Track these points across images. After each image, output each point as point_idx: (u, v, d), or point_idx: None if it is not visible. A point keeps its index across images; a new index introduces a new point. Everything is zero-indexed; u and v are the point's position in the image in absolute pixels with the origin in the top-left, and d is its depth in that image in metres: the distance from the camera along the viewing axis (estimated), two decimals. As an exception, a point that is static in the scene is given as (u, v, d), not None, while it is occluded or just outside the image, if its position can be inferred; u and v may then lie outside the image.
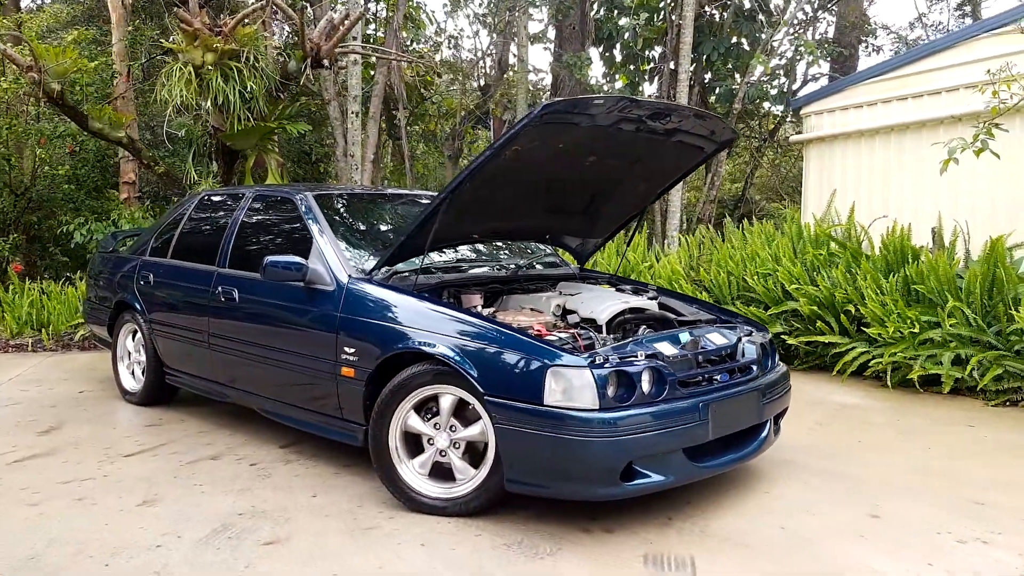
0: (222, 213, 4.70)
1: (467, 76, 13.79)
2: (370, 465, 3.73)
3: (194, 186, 8.58)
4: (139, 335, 5.00)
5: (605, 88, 14.06)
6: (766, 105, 13.51)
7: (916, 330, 5.47)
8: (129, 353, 5.14)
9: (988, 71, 5.06)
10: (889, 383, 5.51)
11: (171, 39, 9.10)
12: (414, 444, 3.33)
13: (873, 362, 5.69)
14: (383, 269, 3.63)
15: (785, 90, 13.83)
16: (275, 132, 9.14)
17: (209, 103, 8.16)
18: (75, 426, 4.52)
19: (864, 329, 5.96)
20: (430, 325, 3.25)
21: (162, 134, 11.72)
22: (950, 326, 5.36)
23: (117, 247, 5.68)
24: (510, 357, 2.99)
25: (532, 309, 3.64)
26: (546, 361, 2.91)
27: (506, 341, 3.03)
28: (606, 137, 3.51)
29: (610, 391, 2.89)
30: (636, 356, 3.04)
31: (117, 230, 7.19)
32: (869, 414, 4.90)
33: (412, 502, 3.23)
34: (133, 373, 5.12)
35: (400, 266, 3.71)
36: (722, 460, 3.22)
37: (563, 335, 3.24)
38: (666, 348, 3.18)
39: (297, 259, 3.70)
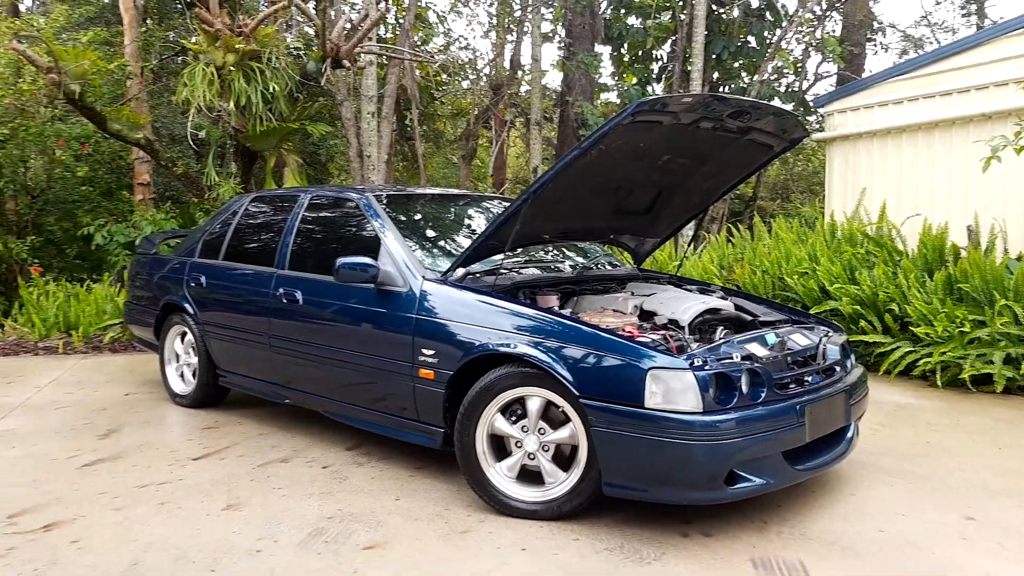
0: (277, 215, 4.64)
1: (479, 76, 13.74)
2: (444, 467, 3.72)
3: (213, 188, 8.52)
4: (189, 337, 4.94)
5: (613, 85, 14.09)
6: (775, 103, 13.55)
7: (965, 329, 5.48)
8: (178, 355, 5.08)
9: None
10: (939, 383, 5.51)
11: (191, 39, 9.04)
12: (498, 447, 3.30)
13: (921, 362, 5.69)
14: (458, 270, 3.59)
15: (795, 89, 13.90)
16: (296, 133, 9.09)
17: (231, 104, 8.10)
18: (133, 429, 4.45)
19: (908, 328, 5.96)
20: (515, 326, 3.21)
21: (174, 134, 11.66)
22: (1000, 325, 5.37)
23: (159, 248, 5.62)
24: (606, 359, 2.96)
25: (615, 311, 3.61)
26: (645, 363, 2.88)
27: (601, 343, 2.99)
28: (683, 135, 3.49)
29: (711, 393, 2.86)
30: (732, 358, 3.02)
31: (154, 232, 7.12)
32: (928, 414, 4.90)
33: (502, 506, 3.19)
34: (182, 376, 5.06)
35: (474, 268, 3.67)
36: (817, 462, 3.20)
37: (654, 336, 3.21)
38: (757, 350, 3.16)
39: (369, 260, 3.66)
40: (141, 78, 9.98)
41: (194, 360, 4.90)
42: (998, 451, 4.11)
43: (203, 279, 4.80)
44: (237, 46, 7.90)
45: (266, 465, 3.81)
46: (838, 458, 3.35)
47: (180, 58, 11.41)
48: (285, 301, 4.16)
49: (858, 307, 6.21)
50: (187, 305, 4.86)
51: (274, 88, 7.99)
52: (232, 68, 7.94)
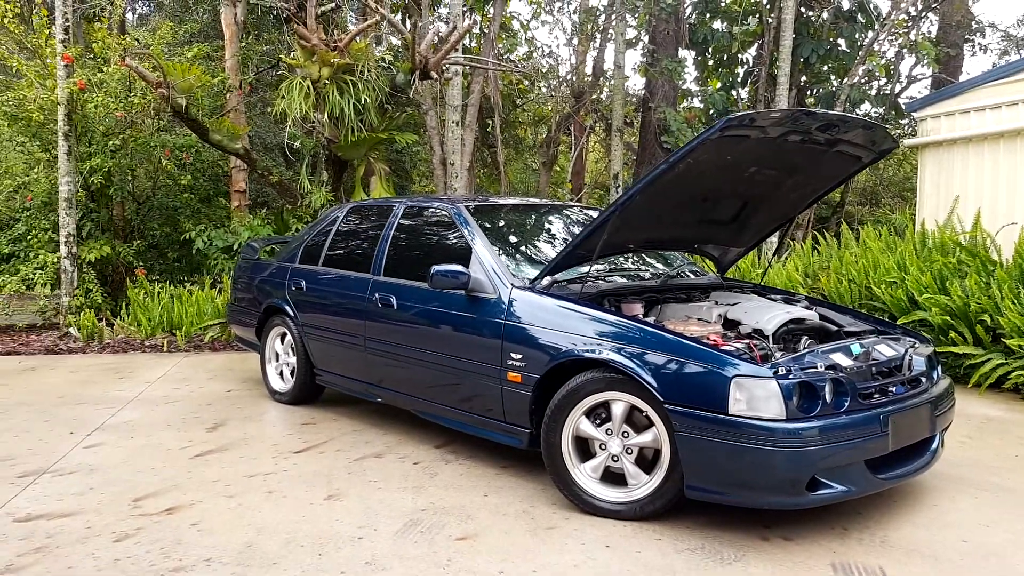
0: (373, 224, 4.91)
1: (560, 83, 13.89)
2: (528, 466, 3.88)
3: (306, 195, 8.95)
4: (288, 338, 5.26)
5: (696, 90, 14.01)
6: (866, 107, 13.20)
7: (1063, 342, 5.29)
8: (277, 355, 5.41)
9: None
10: (1032, 396, 5.36)
11: (290, 54, 9.51)
12: (583, 449, 3.43)
13: (1013, 374, 5.53)
14: (545, 278, 3.75)
15: (887, 92, 13.50)
16: (383, 142, 9.45)
17: (326, 116, 8.50)
18: (237, 423, 4.79)
19: (1000, 340, 5.79)
20: (601, 333, 3.34)
21: (268, 144, 12.26)
22: (1101, 338, 5.17)
23: (261, 254, 5.99)
24: (691, 366, 3.06)
25: (699, 319, 3.69)
26: (730, 371, 2.97)
27: (686, 351, 3.09)
28: (771, 148, 3.55)
29: (795, 402, 2.93)
30: (816, 367, 3.07)
31: (254, 238, 7.55)
32: (1017, 428, 4.77)
33: (587, 505, 3.32)
34: (281, 374, 5.39)
35: (560, 275, 3.82)
36: (899, 472, 3.22)
37: (738, 345, 3.29)
38: (841, 359, 3.20)
39: (461, 268, 3.85)
40: (240, 91, 10.55)
41: (293, 359, 5.22)
42: (1095, 469, 3.99)
43: (303, 283, 5.11)
44: (332, 60, 8.30)
45: (361, 460, 4.06)
46: (921, 468, 3.35)
47: (275, 72, 12.01)
48: (380, 305, 4.41)
49: (948, 318, 6.07)
50: (287, 308, 5.18)
51: (365, 100, 8.36)
52: (327, 81, 8.35)
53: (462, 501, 3.46)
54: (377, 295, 4.45)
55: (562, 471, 3.39)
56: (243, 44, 10.99)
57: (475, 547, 2.96)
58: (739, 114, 3.15)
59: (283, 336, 5.35)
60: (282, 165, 11.90)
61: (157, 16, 13.62)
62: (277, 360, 5.42)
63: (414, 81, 8.89)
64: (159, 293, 8.52)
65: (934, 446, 3.46)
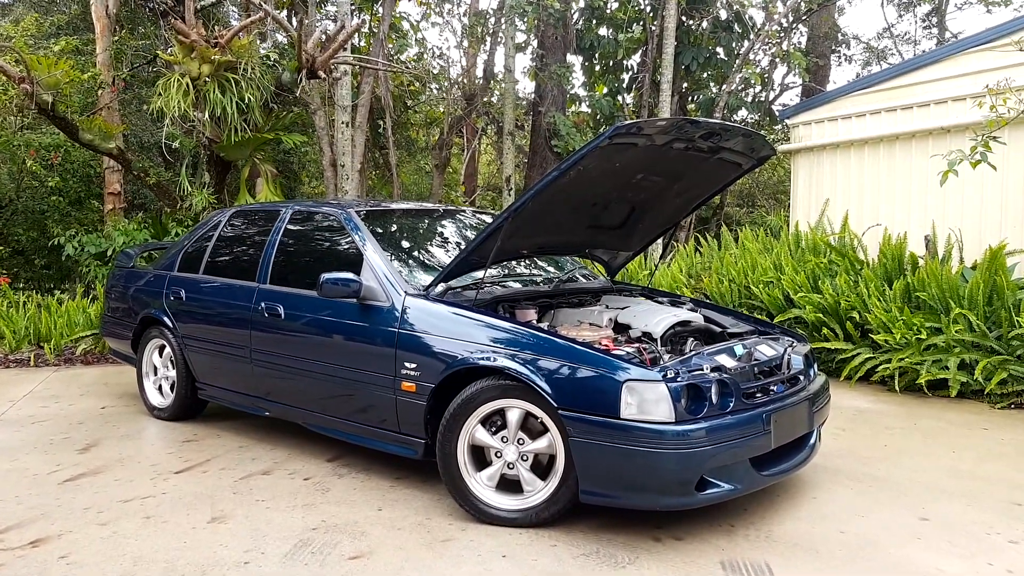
0: (258, 229, 4.71)
1: (452, 85, 13.85)
2: (423, 476, 3.83)
3: (186, 198, 8.53)
4: (167, 350, 4.97)
5: (584, 95, 14.29)
6: (743, 113, 13.85)
7: (922, 336, 5.71)
8: (156, 368, 5.11)
9: (987, 86, 5.33)
10: (896, 388, 5.74)
11: (168, 50, 9.03)
12: (478, 457, 3.41)
13: (880, 368, 5.92)
14: (439, 285, 3.70)
15: (762, 99, 14.22)
16: (269, 143, 9.12)
17: (207, 115, 8.12)
18: (112, 443, 4.48)
19: (868, 335, 6.19)
20: (496, 340, 3.33)
21: (145, 144, 11.59)
22: (955, 332, 5.61)
23: (137, 261, 5.64)
24: (584, 372, 3.09)
25: (591, 324, 3.74)
26: (621, 375, 3.01)
27: (579, 356, 3.12)
28: (657, 155, 3.64)
29: (683, 404, 3.00)
30: (702, 369, 3.16)
31: (130, 245, 7.11)
32: (886, 418, 5.11)
33: (483, 514, 3.30)
34: (160, 388, 5.09)
35: (454, 282, 3.78)
36: (782, 468, 3.36)
37: (629, 349, 3.35)
38: (726, 361, 3.31)
39: (352, 276, 3.75)
40: (114, 87, 9.94)
41: (172, 373, 4.94)
42: (952, 454, 4.31)
43: (183, 292, 4.85)
44: (213, 57, 7.93)
45: (248, 478, 3.88)
46: (801, 463, 3.52)
47: (152, 68, 11.38)
48: (267, 315, 4.23)
49: (821, 315, 6.43)
50: (166, 318, 4.90)
51: (249, 98, 8.03)
52: (207, 79, 7.97)
53: (355, 517, 3.36)
54: (263, 304, 4.27)
55: (458, 481, 3.36)
56: (116, 38, 10.36)
57: (369, 566, 2.88)
58: (627, 123, 3.22)
59: (162, 348, 5.05)
60: (160, 166, 11.25)
61: (20, 7, 12.62)
62: (155, 374, 5.12)
63: (301, 80, 8.62)
64: (25, 303, 7.89)
65: (812, 441, 3.64)
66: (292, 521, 3.30)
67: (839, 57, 15.92)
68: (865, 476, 3.91)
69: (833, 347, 6.29)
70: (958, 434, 4.73)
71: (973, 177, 6.62)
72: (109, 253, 8.43)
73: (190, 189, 8.43)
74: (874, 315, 6.05)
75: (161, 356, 5.07)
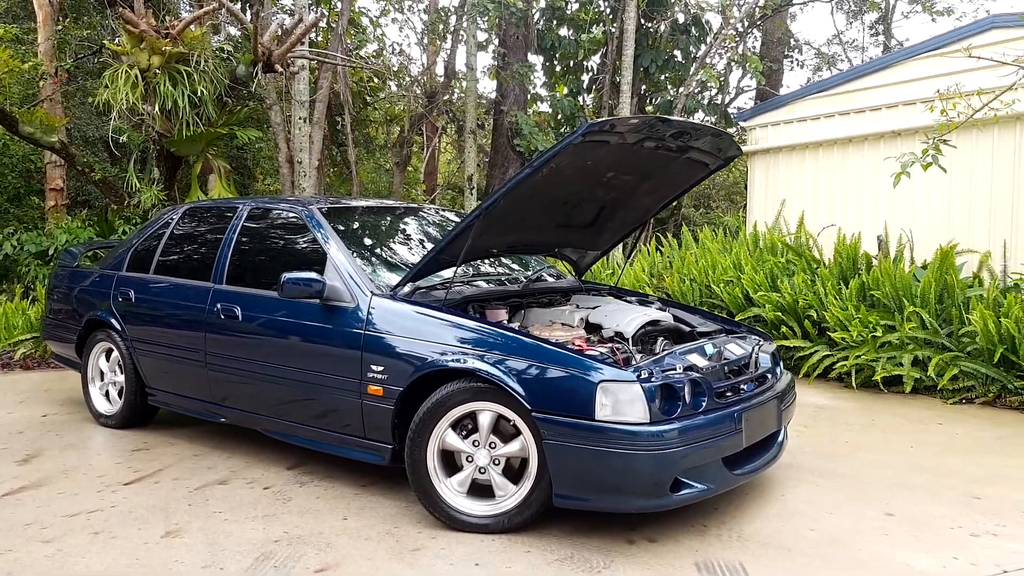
0: (213, 227, 4.53)
1: (412, 82, 13.69)
2: (390, 483, 3.72)
3: (134, 194, 8.23)
4: (115, 354, 4.76)
5: (545, 95, 14.28)
6: (699, 116, 13.99)
7: (878, 334, 5.81)
8: (103, 373, 4.88)
9: (938, 91, 5.44)
10: (854, 384, 5.83)
11: (115, 40, 8.70)
12: (448, 462, 3.31)
13: (838, 365, 6.00)
14: (407, 285, 3.60)
15: (718, 102, 14.39)
16: (223, 138, 8.86)
17: (157, 108, 7.85)
18: (55, 453, 4.26)
19: (825, 333, 6.28)
20: (467, 341, 3.24)
21: (90, 138, 11.17)
22: (908, 330, 5.72)
23: (81, 260, 5.39)
24: (557, 373, 3.02)
25: (563, 324, 3.68)
26: (595, 376, 2.96)
27: (552, 357, 3.06)
28: (628, 154, 3.60)
29: (657, 404, 2.96)
30: (675, 369, 3.13)
31: (74, 244, 6.81)
32: (845, 415, 5.17)
33: (454, 521, 3.21)
34: (107, 395, 4.87)
35: (422, 282, 3.69)
36: (753, 466, 3.35)
37: (602, 349, 3.30)
38: (697, 360, 3.29)
39: (315, 275, 3.62)
40: (56, 78, 9.55)
41: (121, 378, 4.73)
42: (911, 449, 4.38)
43: (132, 293, 4.64)
44: (163, 48, 7.66)
45: (204, 488, 3.71)
46: (771, 461, 3.52)
47: (98, 58, 10.97)
48: (223, 317, 4.07)
49: (780, 313, 6.50)
50: (113, 320, 4.69)
51: (202, 92, 7.78)
52: (157, 71, 7.70)
53: (320, 527, 3.23)
54: (219, 306, 4.10)
55: (428, 487, 3.26)
56: (59, 27, 9.96)
57: (337, 577, 2.77)
58: (600, 120, 3.17)
59: (109, 352, 4.83)
60: (106, 161, 10.86)
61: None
62: (102, 379, 4.89)
63: (257, 74, 8.37)
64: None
65: (780, 439, 3.65)
66: (252, 533, 3.16)
67: (791, 62, 16.21)
68: (830, 473, 3.93)
69: (792, 345, 6.36)
70: (914, 430, 4.81)
71: (923, 179, 6.75)
72: (51, 252, 8.09)
73: (138, 185, 8.14)
74: (831, 313, 6.14)
75: (108, 360, 4.84)
